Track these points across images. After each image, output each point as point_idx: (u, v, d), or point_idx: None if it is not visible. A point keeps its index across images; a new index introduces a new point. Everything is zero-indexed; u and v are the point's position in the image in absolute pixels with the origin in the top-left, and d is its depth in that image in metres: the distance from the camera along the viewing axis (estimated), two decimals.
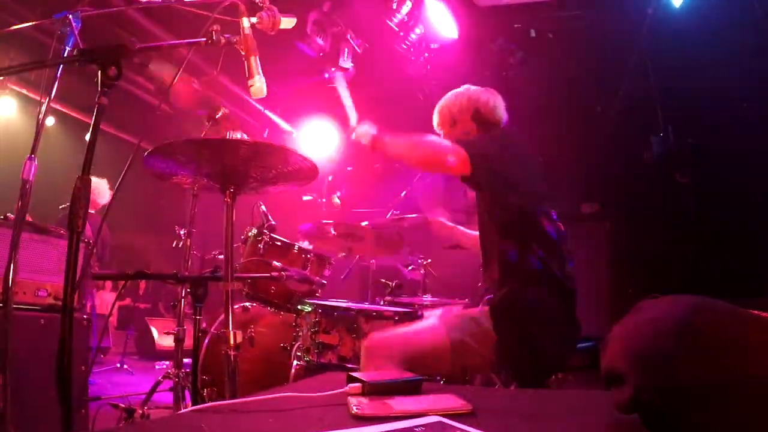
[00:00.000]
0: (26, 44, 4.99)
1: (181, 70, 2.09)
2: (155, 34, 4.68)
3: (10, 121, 6.29)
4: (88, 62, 1.32)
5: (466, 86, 2.37)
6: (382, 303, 3.35)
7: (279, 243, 3.02)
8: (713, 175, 5.02)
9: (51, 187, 3.77)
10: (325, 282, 3.13)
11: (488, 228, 2.09)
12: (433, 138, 2.10)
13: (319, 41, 4.46)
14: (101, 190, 5.31)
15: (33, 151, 1.84)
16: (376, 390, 1.11)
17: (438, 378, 2.08)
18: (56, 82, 1.86)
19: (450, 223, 2.64)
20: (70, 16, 1.86)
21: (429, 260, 4.00)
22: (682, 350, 0.80)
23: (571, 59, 5.30)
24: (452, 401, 1.04)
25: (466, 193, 2.24)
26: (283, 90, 5.33)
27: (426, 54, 5.02)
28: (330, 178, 5.98)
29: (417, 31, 4.77)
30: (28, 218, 4.57)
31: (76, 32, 1.86)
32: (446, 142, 2.06)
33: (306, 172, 1.79)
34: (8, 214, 2.41)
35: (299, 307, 2.63)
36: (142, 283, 7.70)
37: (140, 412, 2.59)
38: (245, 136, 2.38)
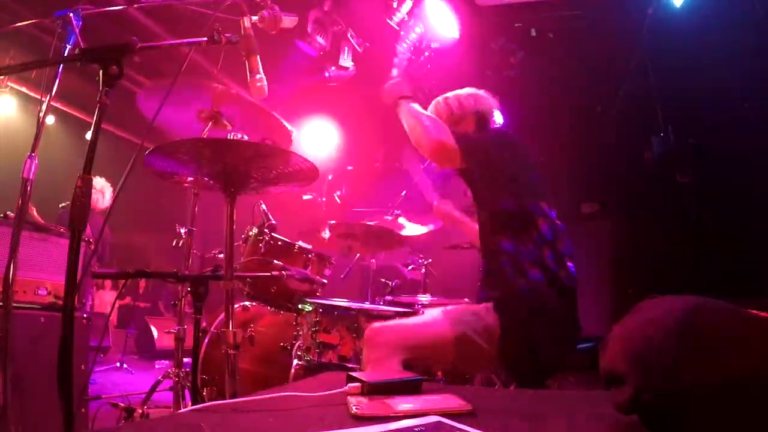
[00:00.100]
0: (27, 43, 5.00)
1: (182, 69, 2.09)
2: (156, 33, 4.68)
3: (11, 119, 6.30)
4: (89, 61, 1.32)
5: (468, 88, 2.38)
6: (381, 303, 3.35)
7: (280, 242, 3.02)
8: (713, 175, 5.02)
9: (51, 186, 3.77)
10: (326, 281, 3.13)
11: (486, 226, 2.09)
12: (435, 124, 2.07)
13: (320, 40, 4.46)
14: (106, 194, 5.30)
15: (33, 149, 1.84)
16: (375, 390, 1.11)
17: (438, 373, 2.08)
18: (57, 81, 1.86)
19: (458, 213, 2.64)
20: (71, 15, 1.86)
21: (429, 260, 4.00)
22: (682, 350, 0.80)
23: (571, 59, 5.30)
24: (452, 401, 1.04)
25: (467, 193, 2.23)
26: (283, 89, 5.33)
27: (426, 53, 5.02)
28: (330, 177, 5.98)
29: (417, 30, 4.77)
30: (35, 214, 4.60)
31: (77, 31, 1.86)
32: (445, 132, 2.03)
33: (306, 173, 1.79)
34: (8, 213, 2.41)
35: (300, 306, 2.63)
36: (142, 282, 7.71)
37: (140, 411, 2.59)
38: (245, 137, 2.38)
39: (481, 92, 2.37)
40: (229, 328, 1.67)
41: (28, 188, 1.82)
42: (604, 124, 5.69)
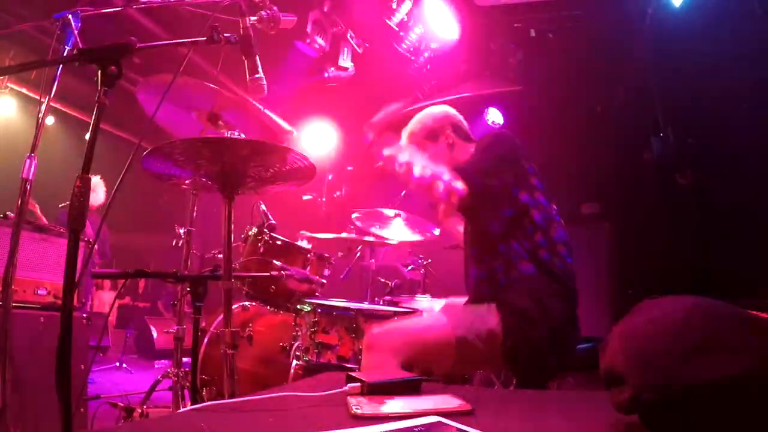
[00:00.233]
0: (26, 44, 5.00)
1: (181, 69, 2.09)
2: (156, 34, 4.68)
3: (10, 120, 6.30)
4: (88, 61, 1.32)
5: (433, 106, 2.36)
6: (381, 303, 3.35)
7: (279, 242, 3.02)
8: (713, 175, 5.02)
9: (51, 186, 3.78)
10: (325, 281, 3.12)
11: (485, 228, 2.06)
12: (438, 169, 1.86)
13: (319, 41, 4.46)
14: (99, 191, 5.29)
15: (33, 149, 1.85)
16: (375, 390, 1.11)
17: (438, 375, 2.07)
18: (56, 82, 1.86)
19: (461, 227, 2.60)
20: (70, 16, 1.87)
21: (429, 260, 4.00)
22: (682, 350, 0.80)
23: (571, 59, 5.29)
24: (451, 401, 1.04)
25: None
26: (283, 89, 5.33)
27: (426, 54, 5.02)
28: (330, 177, 5.98)
29: (417, 30, 4.77)
30: (38, 212, 4.59)
31: (76, 32, 1.86)
32: (448, 175, 1.81)
33: (304, 172, 1.79)
34: (8, 213, 2.41)
35: (298, 306, 2.63)
36: (142, 282, 7.71)
37: (139, 411, 2.59)
38: (243, 135, 2.38)
39: (445, 107, 2.34)
40: (227, 328, 1.67)
41: (28, 188, 1.83)
42: (604, 124, 5.70)
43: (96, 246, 4.91)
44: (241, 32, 1.66)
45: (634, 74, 5.20)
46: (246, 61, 1.69)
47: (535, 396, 1.41)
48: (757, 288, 4.03)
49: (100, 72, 1.30)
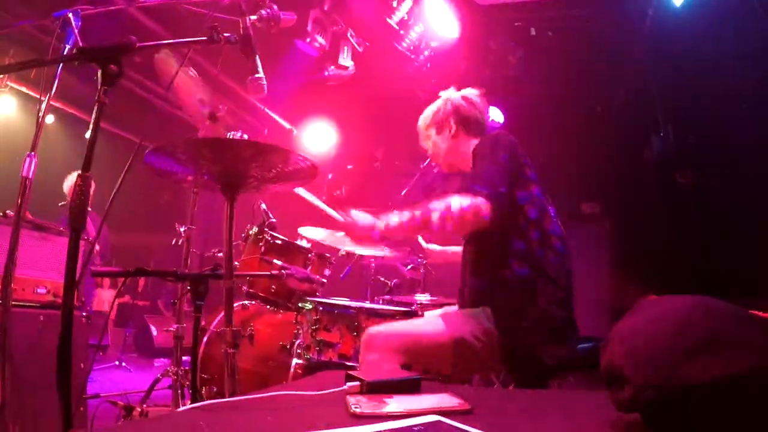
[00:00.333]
0: (26, 42, 4.99)
1: (181, 68, 2.09)
2: (156, 33, 4.68)
3: (10, 119, 6.29)
4: (88, 60, 1.32)
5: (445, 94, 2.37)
6: (381, 302, 3.36)
7: (280, 241, 3.02)
8: (713, 175, 5.02)
9: (51, 185, 3.78)
10: (326, 281, 3.13)
11: (481, 231, 2.05)
12: (445, 205, 1.86)
13: (320, 40, 4.46)
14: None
15: (33, 148, 1.84)
16: (374, 389, 1.11)
17: (435, 376, 2.07)
18: (56, 80, 1.86)
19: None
20: (70, 15, 1.86)
21: (429, 259, 3.99)
22: (683, 349, 0.80)
23: (571, 58, 5.29)
24: (450, 400, 1.04)
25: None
26: (283, 88, 5.33)
27: (426, 52, 5.02)
28: (330, 177, 5.98)
29: (417, 29, 4.77)
30: (28, 215, 4.59)
31: (76, 31, 1.86)
32: (461, 202, 1.83)
33: (306, 172, 1.79)
34: (8, 212, 2.41)
35: (299, 305, 2.63)
36: (142, 281, 7.70)
37: (139, 409, 2.59)
38: (245, 136, 2.38)
39: (469, 95, 2.32)
40: (228, 327, 1.67)
41: (28, 187, 1.82)
42: (604, 123, 5.70)
43: (97, 247, 4.91)
44: (241, 32, 1.66)
45: (635, 73, 5.21)
46: (246, 61, 1.69)
47: (534, 395, 1.41)
48: (757, 287, 4.04)
49: (100, 71, 1.30)
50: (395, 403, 1.00)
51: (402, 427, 0.85)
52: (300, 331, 2.60)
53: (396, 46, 4.81)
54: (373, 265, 3.90)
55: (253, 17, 1.71)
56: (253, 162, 1.70)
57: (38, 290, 2.48)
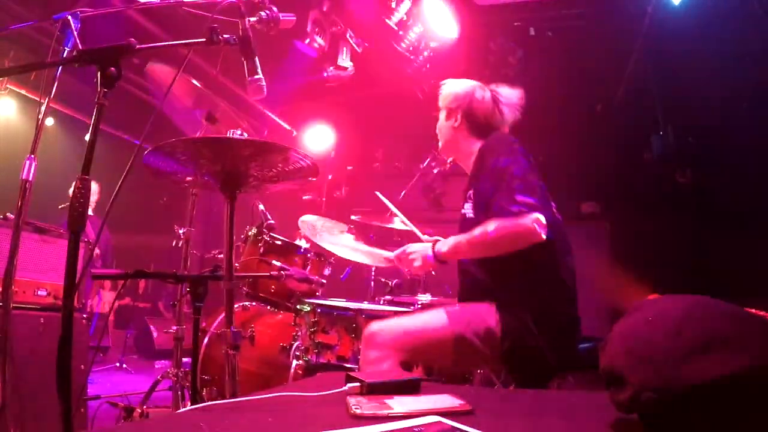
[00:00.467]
0: (26, 45, 4.99)
1: (181, 70, 2.09)
2: (155, 35, 4.68)
3: (10, 121, 6.29)
4: (87, 63, 1.32)
5: (474, 82, 2.30)
6: (381, 302, 3.35)
7: (279, 242, 3.02)
8: (713, 175, 5.02)
9: (51, 187, 3.77)
10: (325, 281, 3.13)
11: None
12: (495, 226, 1.85)
13: (319, 40, 4.46)
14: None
15: (33, 151, 1.85)
16: (374, 390, 1.11)
17: (437, 376, 2.07)
18: (55, 83, 1.86)
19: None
20: (70, 17, 1.86)
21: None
22: (682, 349, 0.80)
23: (570, 58, 5.30)
24: (451, 401, 1.04)
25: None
26: (282, 89, 5.33)
27: (425, 53, 5.02)
28: (330, 177, 5.98)
29: (416, 30, 4.77)
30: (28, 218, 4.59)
31: (76, 33, 1.86)
32: (509, 222, 1.82)
33: (307, 171, 1.79)
34: (8, 214, 2.41)
35: (298, 306, 2.63)
36: (142, 283, 7.69)
37: (139, 410, 2.59)
38: (245, 135, 2.38)
39: (493, 97, 2.26)
40: (229, 328, 1.66)
41: (28, 190, 1.83)
42: (604, 123, 5.70)
43: (98, 250, 4.90)
44: (240, 34, 1.66)
45: (634, 73, 5.20)
46: (245, 63, 1.69)
47: (535, 396, 1.41)
48: (757, 287, 4.04)
49: (99, 73, 1.30)
50: (396, 404, 1.00)
51: (403, 428, 0.85)
52: (299, 333, 2.60)
53: (395, 47, 4.81)
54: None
55: (253, 19, 1.71)
56: (253, 161, 1.70)
57: (38, 292, 2.49)
